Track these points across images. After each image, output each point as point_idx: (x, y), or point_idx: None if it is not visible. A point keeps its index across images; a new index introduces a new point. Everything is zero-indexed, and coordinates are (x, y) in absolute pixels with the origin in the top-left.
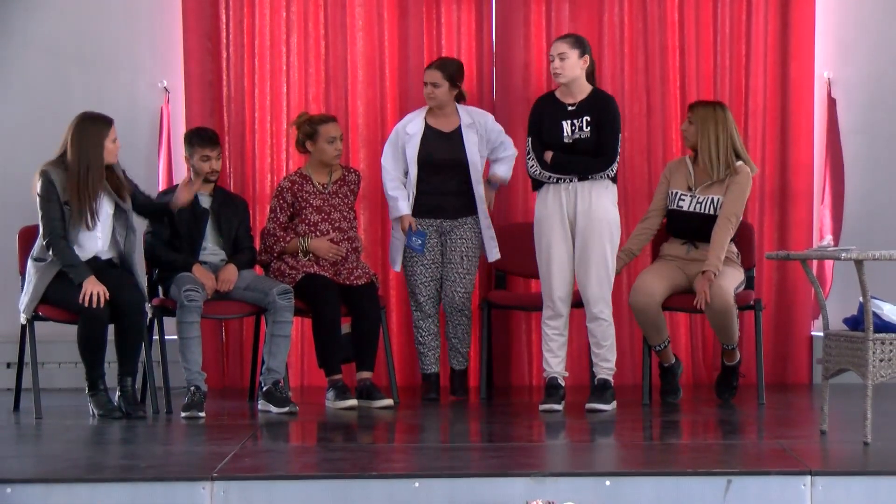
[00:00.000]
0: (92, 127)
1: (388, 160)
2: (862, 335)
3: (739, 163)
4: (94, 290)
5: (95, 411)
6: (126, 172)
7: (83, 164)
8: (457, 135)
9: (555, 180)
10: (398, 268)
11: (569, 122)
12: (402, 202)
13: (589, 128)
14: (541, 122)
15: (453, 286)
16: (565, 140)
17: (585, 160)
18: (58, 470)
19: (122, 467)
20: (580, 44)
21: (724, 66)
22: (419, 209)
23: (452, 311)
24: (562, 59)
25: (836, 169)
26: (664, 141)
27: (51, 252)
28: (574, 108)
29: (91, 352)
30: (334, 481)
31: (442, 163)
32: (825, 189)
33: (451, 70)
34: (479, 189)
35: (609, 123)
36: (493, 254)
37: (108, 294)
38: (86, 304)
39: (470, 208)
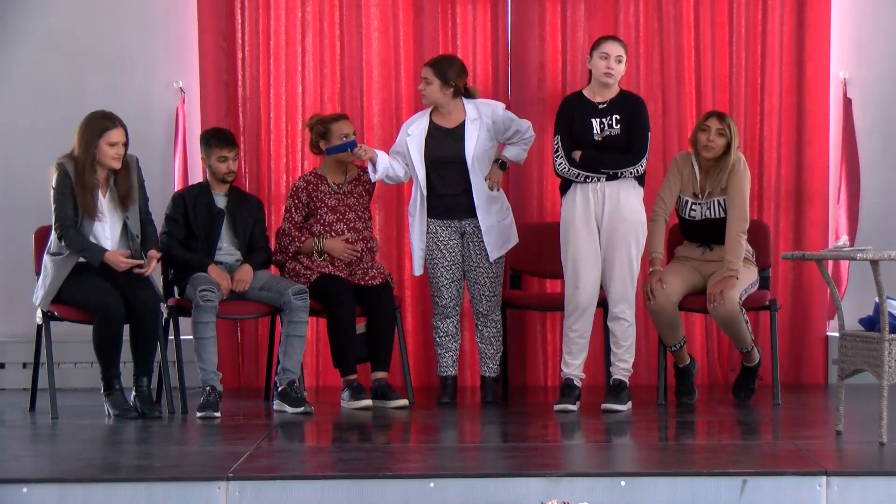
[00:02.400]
0: (92, 123)
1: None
2: (878, 335)
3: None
4: (118, 259)
5: (111, 411)
6: (144, 182)
7: (82, 158)
8: (459, 131)
9: (583, 178)
10: (418, 272)
11: (598, 119)
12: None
13: (619, 126)
14: (571, 119)
15: (481, 290)
16: (595, 138)
17: (613, 155)
18: (73, 470)
19: (138, 467)
20: (626, 50)
21: (740, 66)
22: (433, 212)
23: (477, 316)
24: (618, 62)
25: (851, 169)
26: (679, 141)
27: (63, 242)
28: (604, 106)
29: (106, 351)
30: (349, 481)
31: (445, 160)
32: (841, 189)
33: (444, 68)
34: (478, 184)
35: (639, 122)
36: (492, 253)
37: (129, 260)
38: (123, 269)
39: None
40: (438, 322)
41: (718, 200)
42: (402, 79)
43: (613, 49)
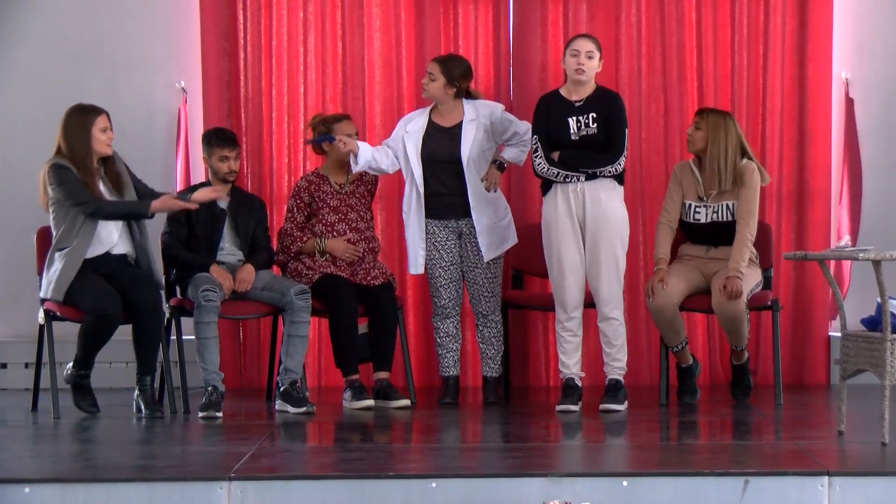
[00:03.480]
0: (77, 118)
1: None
2: (879, 335)
3: (744, 161)
4: (167, 206)
5: (73, 399)
6: (129, 168)
7: (72, 155)
8: (457, 130)
9: (562, 178)
10: (416, 270)
11: (574, 118)
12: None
13: (595, 124)
14: (547, 119)
15: (480, 290)
16: (572, 137)
17: (591, 155)
18: (75, 470)
19: (140, 467)
20: (599, 46)
21: (742, 66)
22: (430, 211)
23: (477, 316)
24: (589, 58)
25: (853, 169)
26: (681, 141)
27: (98, 216)
28: (581, 103)
29: (90, 346)
30: (351, 481)
31: (441, 159)
32: (843, 189)
33: (451, 67)
34: (473, 185)
35: (616, 119)
36: (486, 254)
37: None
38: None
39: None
40: (438, 322)
41: (728, 205)
42: (404, 79)
43: (583, 45)
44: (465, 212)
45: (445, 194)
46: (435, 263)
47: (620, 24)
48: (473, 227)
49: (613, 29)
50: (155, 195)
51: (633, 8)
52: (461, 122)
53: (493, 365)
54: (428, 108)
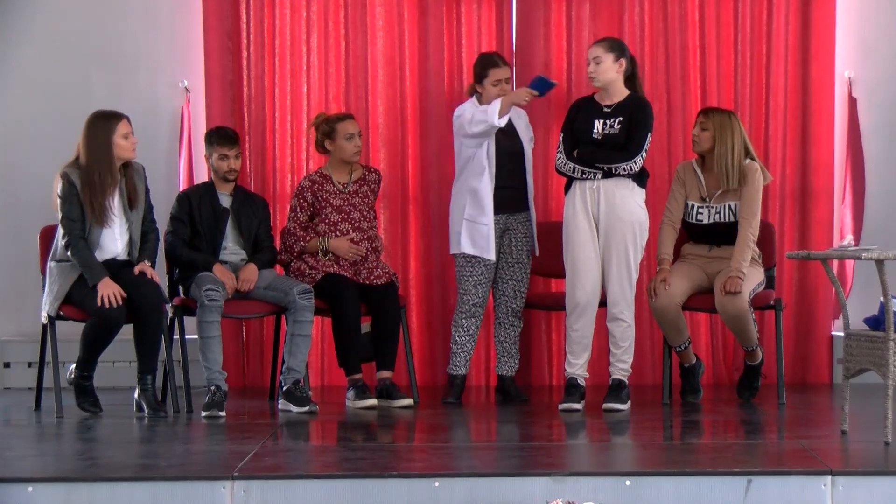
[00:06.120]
0: (100, 124)
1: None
2: (883, 335)
3: (746, 161)
4: (108, 292)
5: (76, 400)
6: (149, 191)
7: (92, 163)
8: (510, 126)
9: (579, 173)
10: (461, 249)
11: (602, 120)
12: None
13: (620, 126)
14: (574, 119)
15: (517, 286)
16: (594, 135)
17: (609, 151)
18: (78, 469)
19: (143, 466)
20: (615, 47)
21: (745, 65)
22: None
23: (507, 314)
24: (597, 63)
25: (856, 168)
26: (685, 140)
27: (69, 252)
28: (610, 109)
29: (93, 347)
30: (354, 481)
31: (507, 155)
32: (846, 188)
33: None
34: (531, 179)
35: (639, 121)
36: (536, 246)
37: (124, 294)
38: (105, 306)
39: (524, 203)
40: (463, 319)
41: (730, 205)
42: (407, 78)
43: (591, 53)
44: (517, 206)
45: (499, 188)
46: (478, 261)
47: (623, 23)
48: (521, 221)
49: (616, 28)
50: (151, 230)
51: (636, 7)
52: (510, 118)
53: (513, 363)
54: (475, 101)
